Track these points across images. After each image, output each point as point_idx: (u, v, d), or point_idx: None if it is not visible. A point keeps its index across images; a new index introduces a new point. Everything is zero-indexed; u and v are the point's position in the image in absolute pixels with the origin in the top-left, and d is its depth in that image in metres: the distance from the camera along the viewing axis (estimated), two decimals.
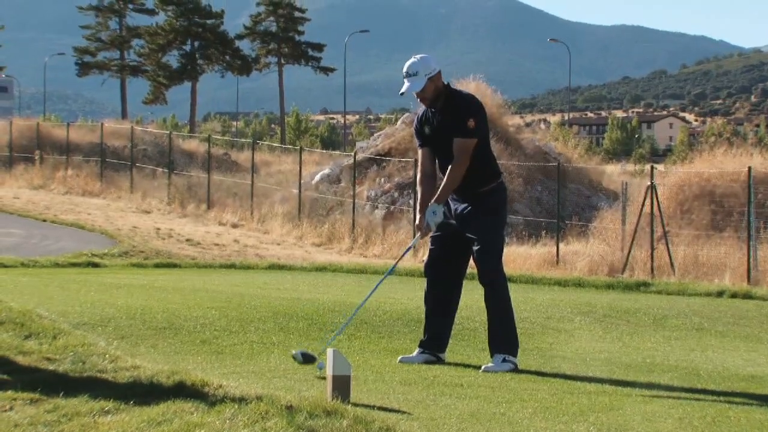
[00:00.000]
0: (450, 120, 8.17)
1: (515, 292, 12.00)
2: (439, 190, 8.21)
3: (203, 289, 13.25)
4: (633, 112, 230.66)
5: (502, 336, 8.22)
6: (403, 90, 8.22)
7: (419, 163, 8.53)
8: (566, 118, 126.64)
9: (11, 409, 5.91)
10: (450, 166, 8.14)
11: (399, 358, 8.42)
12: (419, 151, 8.47)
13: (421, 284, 8.49)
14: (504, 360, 8.11)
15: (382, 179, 34.64)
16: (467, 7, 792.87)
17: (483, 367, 8.08)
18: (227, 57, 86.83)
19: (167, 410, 5.64)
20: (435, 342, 8.45)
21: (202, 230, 32.14)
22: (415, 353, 8.48)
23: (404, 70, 8.20)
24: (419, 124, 8.45)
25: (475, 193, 8.20)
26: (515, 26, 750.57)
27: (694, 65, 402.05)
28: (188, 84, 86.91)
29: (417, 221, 8.37)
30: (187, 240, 28.80)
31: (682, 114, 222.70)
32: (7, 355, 7.23)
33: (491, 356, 8.24)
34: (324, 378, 6.67)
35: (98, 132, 48.87)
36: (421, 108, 8.41)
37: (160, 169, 42.88)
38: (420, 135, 8.45)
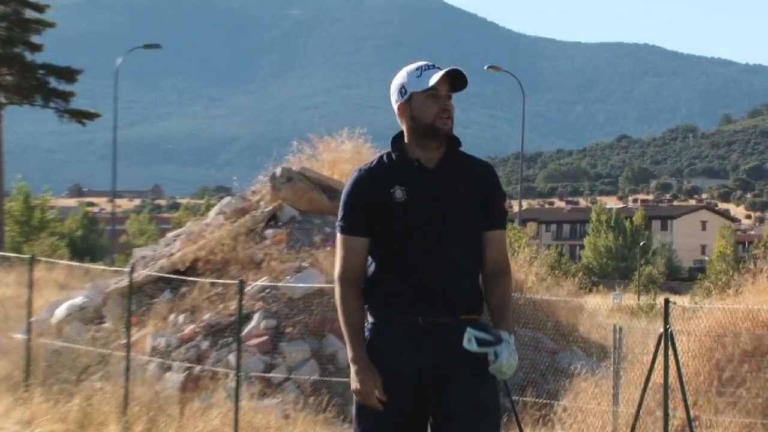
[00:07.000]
0: None
1: None
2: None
3: None
4: (636, 199, 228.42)
5: None
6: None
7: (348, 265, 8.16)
8: (516, 209, 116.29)
9: None
10: None
11: None
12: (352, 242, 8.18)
13: None
14: None
15: (181, 316, 30.49)
16: (340, 7, 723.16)
17: None
18: None
19: None
20: None
21: None
22: None
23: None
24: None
25: None
26: (426, 40, 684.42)
27: (744, 117, 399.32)
28: None
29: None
30: None
31: (722, 205, 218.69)
32: None
33: None
34: None
35: None
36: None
37: None
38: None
